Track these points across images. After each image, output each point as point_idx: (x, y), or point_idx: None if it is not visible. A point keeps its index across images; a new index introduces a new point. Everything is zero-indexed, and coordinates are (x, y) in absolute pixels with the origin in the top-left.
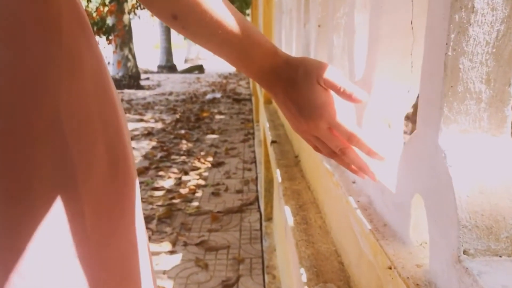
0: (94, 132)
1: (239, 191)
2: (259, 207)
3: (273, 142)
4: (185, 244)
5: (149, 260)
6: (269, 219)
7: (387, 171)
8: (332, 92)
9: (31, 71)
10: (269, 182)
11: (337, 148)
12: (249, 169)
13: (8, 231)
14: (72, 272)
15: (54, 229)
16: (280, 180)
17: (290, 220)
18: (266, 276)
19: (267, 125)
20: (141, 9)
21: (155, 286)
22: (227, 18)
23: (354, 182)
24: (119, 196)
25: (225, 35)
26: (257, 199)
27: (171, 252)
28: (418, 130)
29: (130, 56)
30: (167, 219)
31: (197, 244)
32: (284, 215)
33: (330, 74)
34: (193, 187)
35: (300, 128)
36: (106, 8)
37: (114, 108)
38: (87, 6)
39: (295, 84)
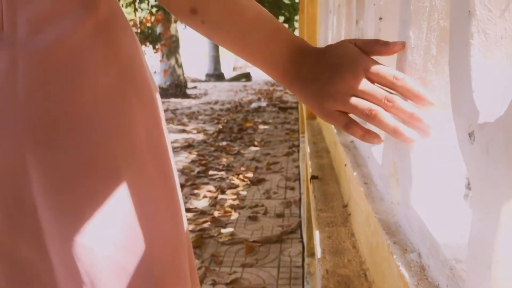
0: (132, 119)
1: (279, 215)
2: (301, 236)
3: (313, 178)
4: (214, 283)
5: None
6: (313, 254)
7: None
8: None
9: (69, 55)
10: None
11: (382, 98)
12: (292, 188)
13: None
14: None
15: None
16: (319, 253)
17: None
18: None
19: (309, 149)
20: None
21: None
22: (249, 1)
23: None
24: (162, 180)
25: (250, 21)
26: (299, 225)
27: None
28: None
29: (176, 66)
30: (197, 249)
31: (227, 284)
32: None
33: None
34: (228, 209)
35: (332, 93)
36: (153, 18)
37: (150, 92)
38: (134, 15)
39: (325, 52)
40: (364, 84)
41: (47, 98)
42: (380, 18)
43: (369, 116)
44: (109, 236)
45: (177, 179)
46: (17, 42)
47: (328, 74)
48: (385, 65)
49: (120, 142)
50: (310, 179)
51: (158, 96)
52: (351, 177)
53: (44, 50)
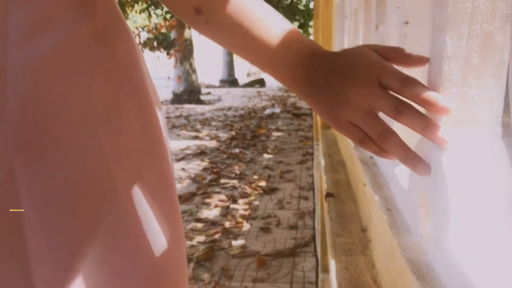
0: (131, 134)
1: (292, 227)
2: (315, 249)
3: (328, 195)
4: None
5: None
6: (327, 270)
7: None
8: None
9: (63, 64)
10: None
11: (392, 106)
12: (306, 198)
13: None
14: None
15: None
16: None
17: None
18: None
19: (323, 162)
20: None
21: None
22: (258, 1)
23: None
24: (164, 199)
25: (258, 22)
26: (313, 238)
27: None
28: None
29: (190, 71)
30: (207, 262)
31: None
32: None
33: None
34: (240, 220)
35: (343, 101)
36: (167, 23)
37: (150, 105)
38: (149, 21)
39: (340, 56)
40: (375, 92)
41: (39, 110)
42: (406, 23)
43: (379, 140)
44: (107, 263)
45: (176, 197)
46: (7, 50)
47: (340, 80)
48: (400, 71)
49: (118, 158)
50: (325, 197)
51: (160, 111)
52: (372, 200)
53: (36, 58)
